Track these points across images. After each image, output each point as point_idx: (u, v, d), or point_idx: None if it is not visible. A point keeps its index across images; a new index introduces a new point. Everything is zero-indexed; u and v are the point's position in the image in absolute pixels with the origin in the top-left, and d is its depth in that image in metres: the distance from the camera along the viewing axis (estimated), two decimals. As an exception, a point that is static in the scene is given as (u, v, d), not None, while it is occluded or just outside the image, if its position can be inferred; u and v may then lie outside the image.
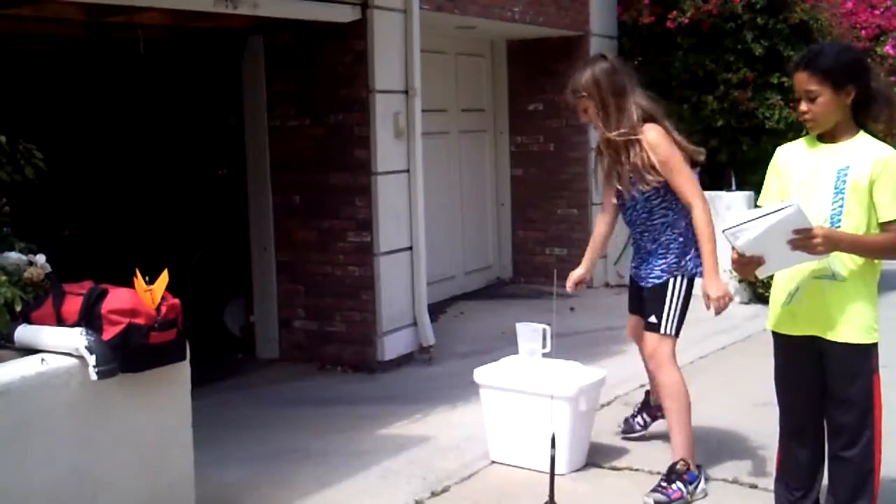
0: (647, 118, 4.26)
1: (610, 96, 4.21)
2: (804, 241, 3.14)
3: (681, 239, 4.31)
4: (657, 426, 4.85)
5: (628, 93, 4.24)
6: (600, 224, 4.69)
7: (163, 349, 3.43)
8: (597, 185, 4.70)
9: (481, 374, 4.67)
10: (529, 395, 4.45)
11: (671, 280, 4.30)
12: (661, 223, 4.31)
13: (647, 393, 4.92)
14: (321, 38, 6.43)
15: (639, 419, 4.96)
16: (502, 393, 4.58)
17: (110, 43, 6.45)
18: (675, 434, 4.31)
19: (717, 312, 4.19)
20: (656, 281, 4.33)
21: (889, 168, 3.21)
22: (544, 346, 4.61)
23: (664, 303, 4.31)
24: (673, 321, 4.33)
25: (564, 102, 4.60)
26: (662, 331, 4.31)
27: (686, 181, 4.23)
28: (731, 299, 4.20)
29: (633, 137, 4.20)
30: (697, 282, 4.32)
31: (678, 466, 4.21)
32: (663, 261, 4.32)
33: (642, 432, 4.92)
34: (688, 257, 4.32)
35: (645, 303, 4.40)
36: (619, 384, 5.56)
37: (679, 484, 4.16)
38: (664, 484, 4.17)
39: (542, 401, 4.36)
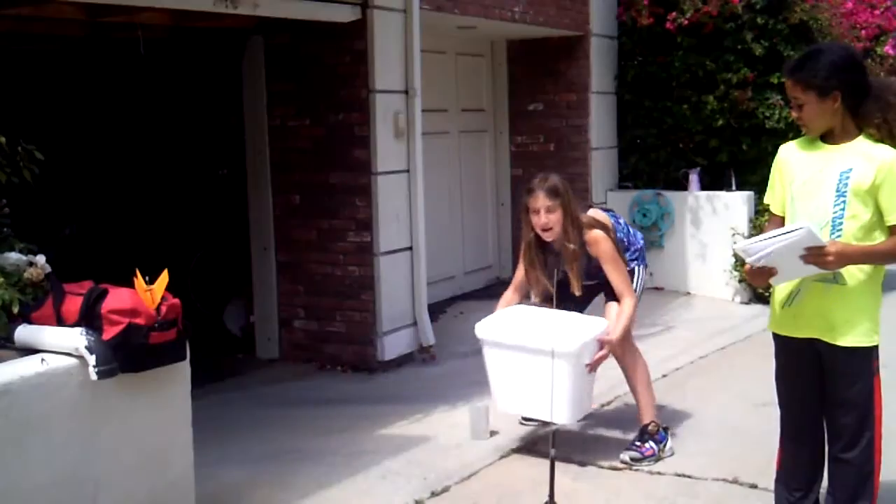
0: (593, 225, 4.69)
1: (574, 206, 4.62)
2: (816, 257, 3.15)
3: (638, 246, 5.01)
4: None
5: (578, 202, 4.71)
6: (513, 302, 4.83)
7: (163, 349, 3.43)
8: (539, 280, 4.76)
9: (483, 327, 4.62)
10: (531, 351, 4.42)
11: (636, 269, 4.91)
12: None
13: None
14: (321, 38, 6.43)
15: None
16: (504, 349, 4.55)
17: (110, 43, 6.45)
18: (642, 398, 4.77)
19: (593, 365, 4.49)
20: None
21: (893, 171, 3.21)
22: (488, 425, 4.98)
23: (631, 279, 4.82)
24: (639, 286, 4.89)
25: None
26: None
27: (622, 273, 4.69)
28: (605, 358, 4.54)
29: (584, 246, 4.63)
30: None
31: (650, 427, 4.68)
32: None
33: (539, 423, 5.05)
34: (640, 253, 4.98)
35: (607, 285, 4.75)
36: (620, 384, 5.54)
37: (651, 443, 4.64)
38: (637, 443, 4.64)
39: (545, 356, 4.35)
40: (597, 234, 4.63)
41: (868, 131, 3.29)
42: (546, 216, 4.55)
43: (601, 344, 4.47)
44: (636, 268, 4.93)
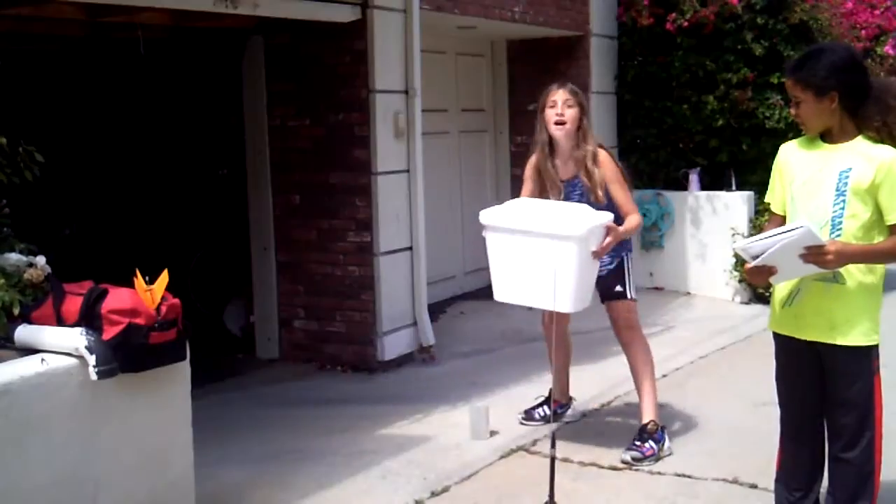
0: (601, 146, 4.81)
1: (587, 115, 4.78)
2: (816, 256, 3.15)
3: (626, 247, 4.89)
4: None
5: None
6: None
7: (163, 349, 3.43)
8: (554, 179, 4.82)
9: (488, 214, 4.53)
10: (537, 236, 4.34)
11: (624, 258, 4.85)
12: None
13: (551, 390, 5.16)
14: (321, 38, 6.43)
15: (539, 410, 5.19)
16: (509, 234, 4.45)
17: (110, 43, 6.45)
18: (645, 396, 4.78)
19: (600, 252, 4.42)
20: (611, 266, 4.80)
21: (893, 171, 3.21)
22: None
23: (623, 275, 4.83)
24: (634, 288, 4.88)
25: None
26: (630, 296, 4.83)
27: (626, 192, 4.74)
28: (610, 246, 4.46)
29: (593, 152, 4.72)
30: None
31: (649, 427, 4.70)
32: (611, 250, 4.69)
33: (539, 423, 5.12)
34: (629, 241, 4.89)
35: (600, 280, 4.74)
36: (620, 384, 5.56)
37: (651, 442, 4.65)
38: (638, 442, 4.65)
39: (551, 241, 4.29)
40: (604, 153, 4.73)
41: (867, 133, 3.29)
42: (563, 108, 4.68)
43: (608, 231, 4.39)
44: (625, 257, 4.86)
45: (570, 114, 4.69)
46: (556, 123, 4.69)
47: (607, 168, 4.71)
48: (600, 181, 4.67)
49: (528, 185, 4.87)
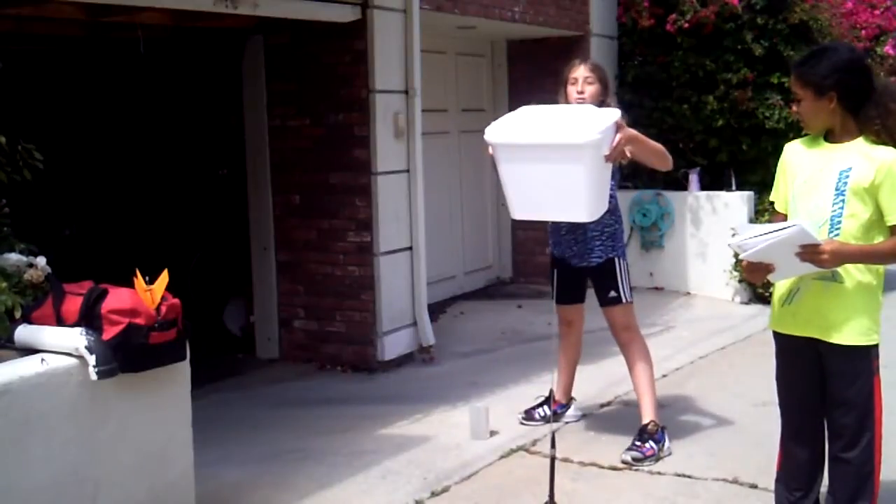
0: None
1: (610, 91, 4.81)
2: (811, 255, 3.15)
3: (616, 225, 4.81)
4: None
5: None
6: None
7: (163, 349, 3.43)
8: None
9: (493, 130, 4.27)
10: (547, 148, 4.15)
11: (615, 260, 4.78)
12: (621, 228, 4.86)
13: (551, 391, 5.10)
14: (321, 38, 6.43)
15: (539, 410, 5.18)
16: (518, 149, 4.24)
17: (110, 43, 6.45)
18: (645, 397, 4.78)
19: (611, 153, 4.17)
20: (599, 260, 4.77)
21: (893, 172, 3.21)
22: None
23: (615, 278, 4.78)
24: (629, 289, 4.82)
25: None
26: (625, 300, 4.78)
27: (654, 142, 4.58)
28: (622, 144, 4.21)
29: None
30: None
31: (649, 427, 4.70)
32: (600, 242, 4.75)
33: (539, 423, 5.10)
34: (621, 241, 4.85)
35: (595, 283, 4.82)
36: (619, 384, 5.56)
37: (651, 443, 4.65)
38: (638, 443, 4.65)
39: (563, 150, 4.11)
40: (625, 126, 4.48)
41: (868, 135, 3.29)
42: (584, 85, 4.71)
43: (617, 127, 4.18)
44: (616, 258, 4.78)
45: (591, 90, 4.72)
46: (577, 100, 4.70)
47: (631, 131, 4.36)
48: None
49: None
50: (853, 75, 3.29)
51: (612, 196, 4.61)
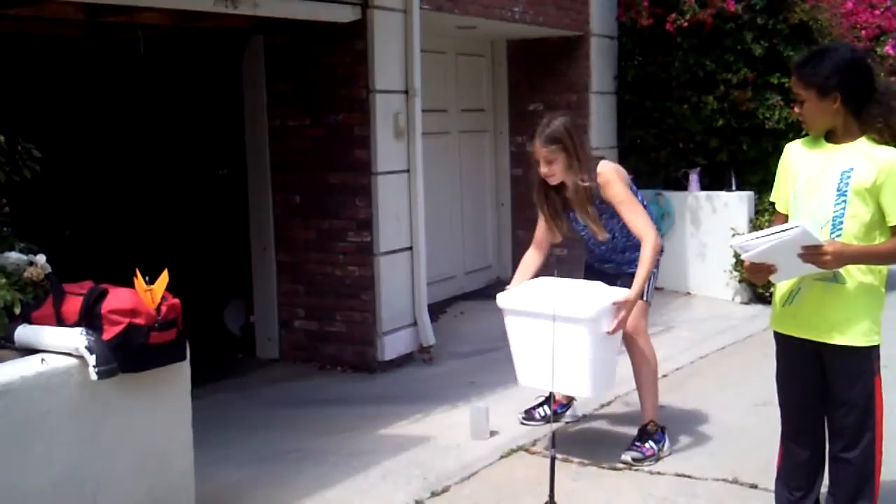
0: (598, 157, 4.64)
1: (579, 149, 4.51)
2: (814, 256, 3.15)
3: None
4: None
5: (586, 142, 4.61)
6: (534, 260, 4.82)
7: (163, 349, 3.43)
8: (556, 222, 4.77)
9: (503, 297, 4.54)
10: (548, 318, 4.26)
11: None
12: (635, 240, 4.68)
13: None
14: (321, 38, 6.43)
15: (539, 410, 5.18)
16: (522, 317, 4.46)
17: (110, 43, 6.45)
18: (646, 397, 4.77)
19: (614, 329, 4.33)
20: (632, 270, 4.64)
21: (894, 172, 3.20)
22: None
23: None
24: (651, 291, 4.76)
25: (533, 155, 4.65)
26: (644, 298, 4.67)
27: (636, 213, 4.52)
28: (625, 321, 4.40)
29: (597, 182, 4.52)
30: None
31: (649, 427, 4.70)
32: (636, 253, 4.61)
33: (539, 423, 5.11)
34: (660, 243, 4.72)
35: (623, 285, 4.67)
36: (619, 384, 5.54)
37: (651, 443, 4.66)
38: (638, 443, 4.66)
39: (561, 325, 4.22)
40: (606, 174, 4.48)
41: (870, 135, 3.29)
42: (546, 167, 4.51)
43: (619, 307, 4.30)
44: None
45: (557, 167, 4.51)
46: (547, 178, 4.57)
47: (611, 189, 4.50)
48: (594, 219, 4.56)
49: (540, 223, 4.81)
50: (856, 75, 3.29)
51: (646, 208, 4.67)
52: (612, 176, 4.52)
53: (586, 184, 4.49)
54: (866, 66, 3.39)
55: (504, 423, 5.12)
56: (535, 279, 4.71)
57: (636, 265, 4.54)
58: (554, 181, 4.56)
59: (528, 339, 4.45)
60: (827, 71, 3.26)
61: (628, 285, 4.52)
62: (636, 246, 4.60)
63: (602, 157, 4.71)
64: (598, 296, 4.39)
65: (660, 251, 4.62)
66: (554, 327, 4.22)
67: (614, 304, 4.32)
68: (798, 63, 3.38)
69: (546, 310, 4.28)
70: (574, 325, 4.20)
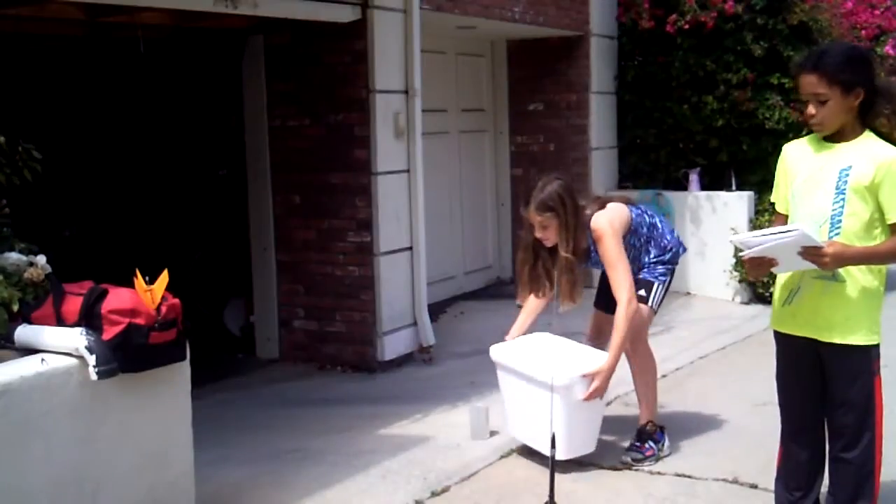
0: (600, 205, 4.58)
1: (572, 216, 4.44)
2: (813, 257, 3.16)
3: (667, 254, 4.74)
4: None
5: (582, 208, 4.51)
6: (537, 304, 4.81)
7: (163, 349, 3.43)
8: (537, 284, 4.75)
9: (495, 350, 4.73)
10: (528, 380, 4.49)
11: (655, 282, 4.73)
12: (646, 247, 4.73)
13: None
14: (321, 38, 6.43)
15: None
16: (509, 374, 4.66)
17: (110, 43, 6.45)
18: (645, 398, 4.77)
19: (587, 397, 4.37)
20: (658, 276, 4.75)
21: (893, 170, 3.20)
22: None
23: (652, 285, 4.71)
24: (658, 300, 4.71)
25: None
26: (649, 304, 4.67)
27: (620, 275, 4.45)
28: (601, 395, 4.45)
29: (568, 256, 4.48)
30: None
31: (648, 427, 4.70)
32: (648, 270, 4.72)
33: None
34: (672, 264, 4.77)
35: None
36: (619, 384, 5.54)
37: (650, 443, 4.67)
38: (638, 443, 4.66)
39: (541, 386, 4.36)
40: (599, 230, 4.46)
41: (880, 122, 3.27)
42: (541, 232, 4.50)
43: (592, 377, 4.33)
44: (655, 281, 4.68)
45: (549, 233, 4.46)
46: (542, 240, 4.54)
47: (602, 246, 4.47)
48: (574, 285, 4.53)
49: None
50: (872, 70, 3.31)
51: (650, 238, 4.69)
52: (605, 231, 4.45)
53: (569, 255, 4.45)
54: (872, 60, 3.41)
55: (504, 423, 5.11)
56: (531, 335, 4.81)
57: (649, 270, 4.68)
58: (549, 244, 4.54)
59: (513, 394, 4.68)
60: (851, 67, 3.23)
61: (640, 287, 4.61)
62: (648, 251, 4.69)
63: (604, 201, 4.64)
64: (577, 363, 4.47)
65: (679, 253, 4.76)
66: (529, 389, 4.44)
67: (584, 376, 4.34)
68: (815, 60, 3.26)
69: (527, 371, 4.49)
70: (547, 391, 4.31)
